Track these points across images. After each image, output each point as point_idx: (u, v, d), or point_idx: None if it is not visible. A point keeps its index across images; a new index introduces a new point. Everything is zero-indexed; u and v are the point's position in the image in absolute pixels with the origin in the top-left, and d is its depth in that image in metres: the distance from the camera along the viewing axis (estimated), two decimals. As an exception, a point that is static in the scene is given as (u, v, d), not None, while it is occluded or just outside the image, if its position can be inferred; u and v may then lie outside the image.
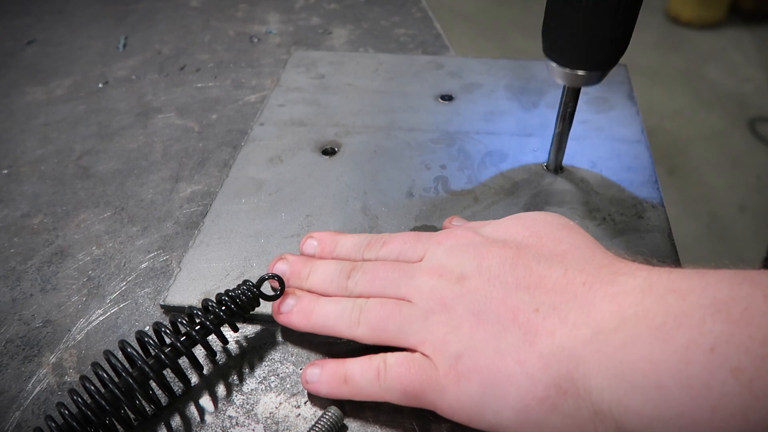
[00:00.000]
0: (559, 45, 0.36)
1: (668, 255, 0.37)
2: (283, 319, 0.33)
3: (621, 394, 0.23)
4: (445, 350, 0.28)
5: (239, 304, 0.32)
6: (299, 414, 0.31)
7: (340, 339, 0.34)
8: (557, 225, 0.31)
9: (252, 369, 0.33)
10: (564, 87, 0.39)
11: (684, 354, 0.22)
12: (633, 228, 0.39)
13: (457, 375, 0.27)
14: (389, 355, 0.30)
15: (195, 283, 0.37)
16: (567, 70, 0.36)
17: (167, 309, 0.36)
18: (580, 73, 0.36)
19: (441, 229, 0.39)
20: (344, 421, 0.30)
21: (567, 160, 0.45)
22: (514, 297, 0.28)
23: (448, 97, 0.53)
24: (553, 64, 0.37)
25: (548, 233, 0.31)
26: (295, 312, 0.33)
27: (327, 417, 0.29)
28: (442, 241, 0.32)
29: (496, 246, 0.30)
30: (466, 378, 0.27)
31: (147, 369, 0.29)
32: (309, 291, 0.34)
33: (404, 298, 0.31)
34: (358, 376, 0.30)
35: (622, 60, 0.37)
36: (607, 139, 0.47)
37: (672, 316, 0.23)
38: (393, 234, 0.35)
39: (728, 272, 0.24)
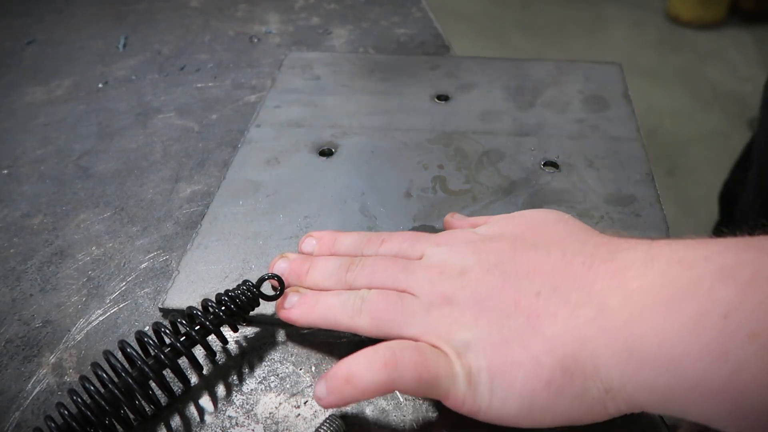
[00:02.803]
0: None
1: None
2: (284, 315, 0.33)
3: (631, 370, 0.23)
4: (451, 341, 0.28)
5: (239, 304, 0.32)
6: (299, 414, 0.31)
7: (341, 338, 0.34)
8: (552, 219, 0.32)
9: (252, 369, 0.33)
10: None
11: (695, 324, 0.22)
12: (630, 226, 0.40)
13: (465, 365, 0.27)
14: (393, 342, 0.28)
15: (194, 286, 0.37)
16: None
17: (166, 312, 0.36)
18: None
19: (441, 227, 0.40)
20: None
21: (564, 159, 0.45)
22: (513, 284, 0.28)
23: (444, 97, 0.53)
24: None
25: (543, 226, 0.31)
26: (297, 306, 0.33)
27: (326, 426, 0.29)
28: (441, 242, 0.32)
29: (494, 241, 0.31)
30: (474, 369, 0.27)
31: (147, 369, 0.29)
32: (309, 288, 0.34)
33: (405, 290, 0.30)
34: (363, 372, 0.28)
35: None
36: (602, 137, 0.47)
37: (680, 288, 0.23)
38: (392, 232, 0.35)
39: (731, 240, 0.24)
